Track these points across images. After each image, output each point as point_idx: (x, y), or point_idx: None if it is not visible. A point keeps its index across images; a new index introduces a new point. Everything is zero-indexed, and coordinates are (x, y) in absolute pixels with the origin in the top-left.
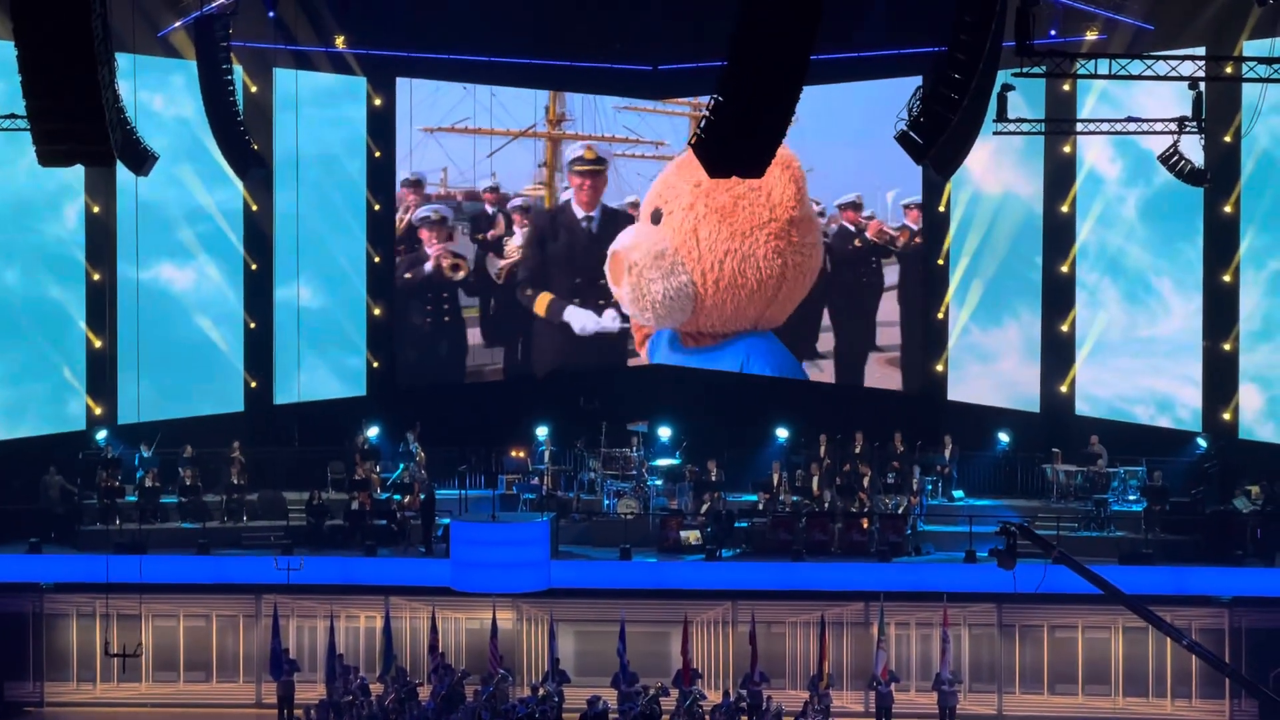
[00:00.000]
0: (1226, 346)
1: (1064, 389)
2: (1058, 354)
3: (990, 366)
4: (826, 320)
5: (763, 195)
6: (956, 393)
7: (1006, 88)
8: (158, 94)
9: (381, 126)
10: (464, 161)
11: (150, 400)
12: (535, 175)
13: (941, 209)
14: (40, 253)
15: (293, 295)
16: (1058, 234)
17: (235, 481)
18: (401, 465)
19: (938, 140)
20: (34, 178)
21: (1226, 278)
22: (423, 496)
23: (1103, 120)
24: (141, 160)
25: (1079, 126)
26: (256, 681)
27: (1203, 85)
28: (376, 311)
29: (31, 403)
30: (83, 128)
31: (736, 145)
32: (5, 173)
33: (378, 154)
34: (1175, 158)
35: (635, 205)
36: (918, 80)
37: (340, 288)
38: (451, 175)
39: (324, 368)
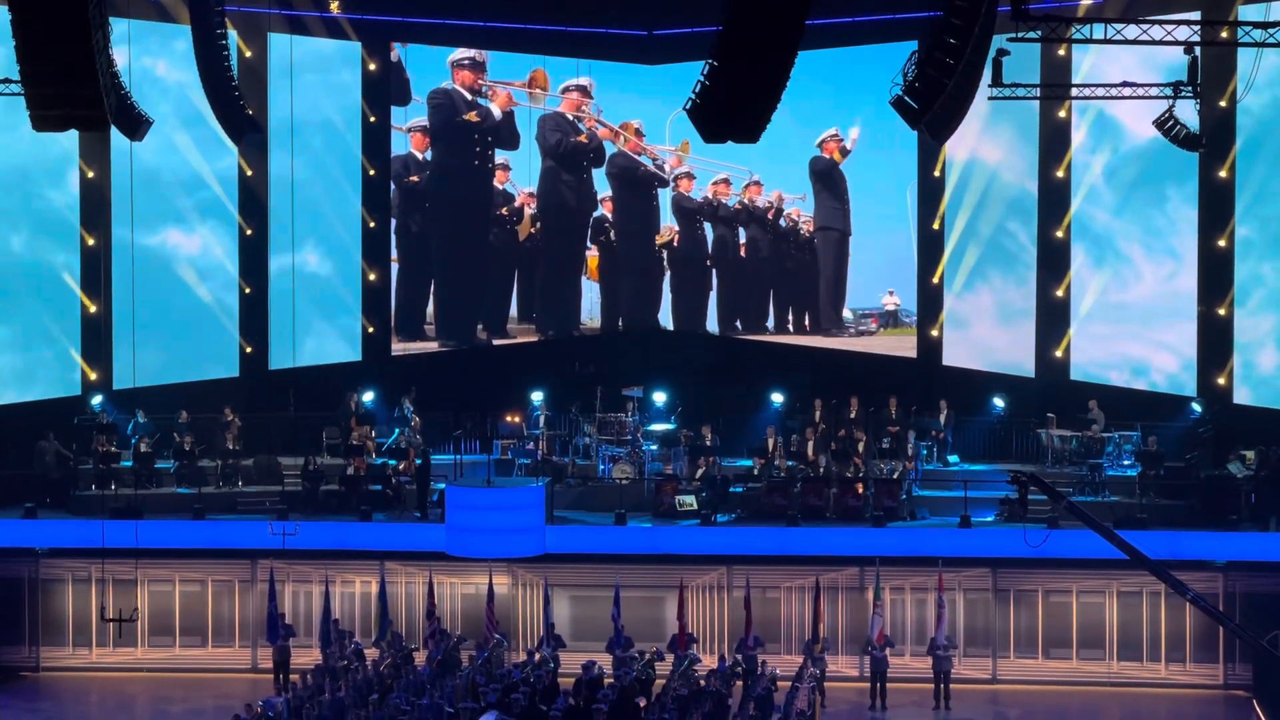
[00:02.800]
0: (1221, 311)
1: (1059, 353)
2: (1053, 319)
3: (985, 331)
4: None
5: None
6: (952, 357)
7: (1002, 52)
8: (160, 59)
9: (377, 91)
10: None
11: (146, 365)
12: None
13: (937, 174)
14: (43, 218)
15: (288, 260)
16: (1053, 199)
17: (230, 447)
18: (397, 430)
19: (933, 105)
20: (40, 143)
21: (1221, 242)
22: (418, 461)
23: (1098, 85)
24: (136, 125)
25: (1074, 91)
26: (252, 646)
27: (1198, 50)
28: (372, 276)
29: (27, 368)
30: (76, 92)
31: (732, 111)
32: (10, 138)
33: (373, 119)
34: (1170, 123)
35: None
36: (913, 45)
37: (336, 253)
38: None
39: (319, 333)
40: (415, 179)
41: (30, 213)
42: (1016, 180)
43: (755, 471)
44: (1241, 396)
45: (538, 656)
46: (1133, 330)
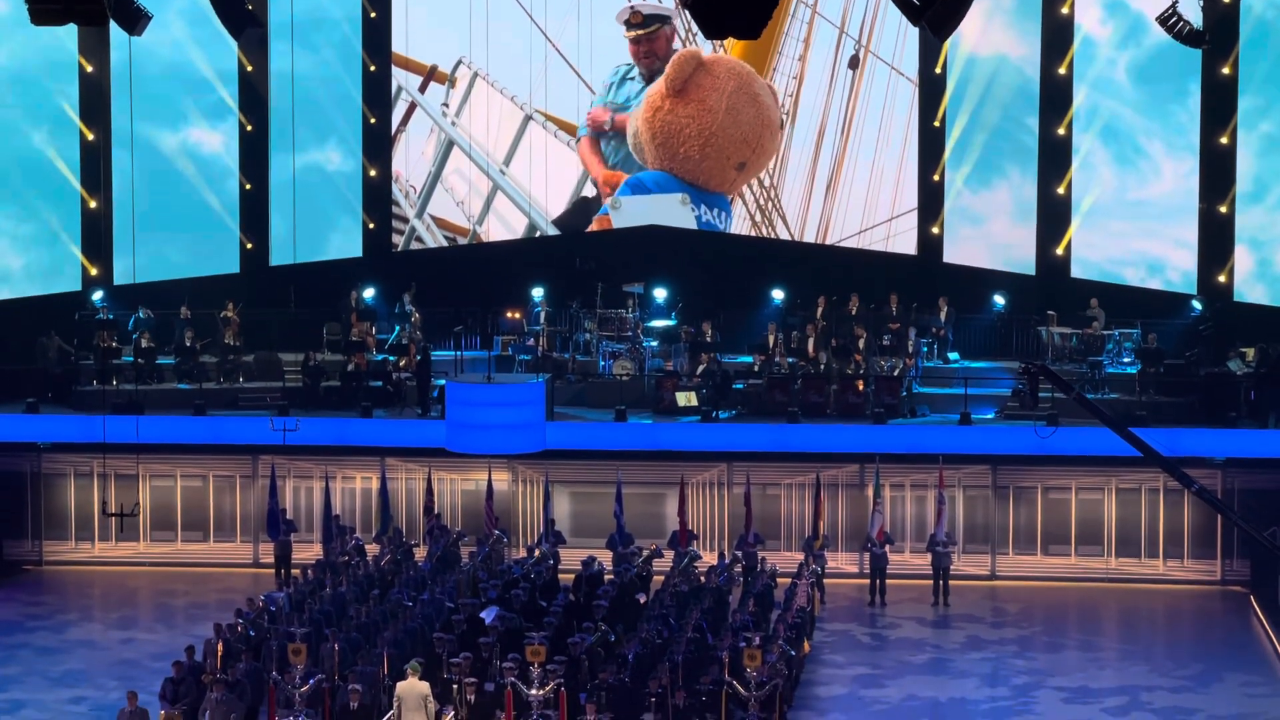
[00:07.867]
0: (1222, 209)
1: (1060, 251)
2: (1054, 216)
3: (986, 229)
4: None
5: None
6: (952, 255)
7: None
8: None
9: None
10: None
11: (147, 261)
12: None
13: (938, 71)
14: (48, 116)
15: (288, 156)
16: (1054, 96)
17: (231, 343)
18: (397, 327)
19: (934, 1)
20: (56, 37)
21: (1223, 140)
22: (418, 358)
23: None
24: (135, 20)
25: None
26: (254, 541)
27: None
28: (373, 173)
29: (28, 263)
30: None
31: (732, 5)
32: (24, 35)
33: (373, 14)
34: (1174, 19)
35: None
36: None
37: (337, 149)
38: None
39: (320, 229)
40: None
41: (37, 110)
42: (1018, 77)
43: (756, 368)
44: (1257, 295)
45: (538, 552)
46: (1134, 228)
